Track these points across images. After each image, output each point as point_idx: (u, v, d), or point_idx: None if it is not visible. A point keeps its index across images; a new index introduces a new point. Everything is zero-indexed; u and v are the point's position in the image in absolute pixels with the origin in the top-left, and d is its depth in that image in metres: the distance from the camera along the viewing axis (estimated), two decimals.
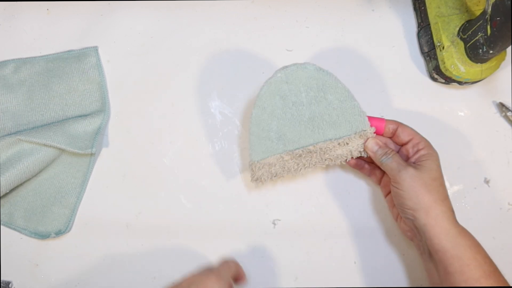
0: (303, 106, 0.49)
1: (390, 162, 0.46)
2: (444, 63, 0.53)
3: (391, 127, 0.49)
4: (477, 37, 0.49)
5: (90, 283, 0.53)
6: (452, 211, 0.44)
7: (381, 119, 0.49)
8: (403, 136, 0.48)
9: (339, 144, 0.49)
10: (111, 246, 0.54)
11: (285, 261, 0.53)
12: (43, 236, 0.53)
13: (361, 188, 0.55)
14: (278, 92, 0.49)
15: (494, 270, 0.42)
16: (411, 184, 0.44)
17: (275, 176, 0.50)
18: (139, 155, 0.55)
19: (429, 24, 0.55)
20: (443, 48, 0.53)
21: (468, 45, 0.51)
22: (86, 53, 0.56)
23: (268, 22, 0.58)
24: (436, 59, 0.54)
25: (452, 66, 0.52)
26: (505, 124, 0.56)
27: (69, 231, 0.54)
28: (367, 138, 0.49)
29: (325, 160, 0.50)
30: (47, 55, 0.56)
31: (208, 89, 0.57)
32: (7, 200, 0.53)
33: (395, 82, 0.57)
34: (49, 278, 0.53)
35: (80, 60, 0.56)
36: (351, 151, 0.49)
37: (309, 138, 0.49)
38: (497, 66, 0.53)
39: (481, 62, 0.52)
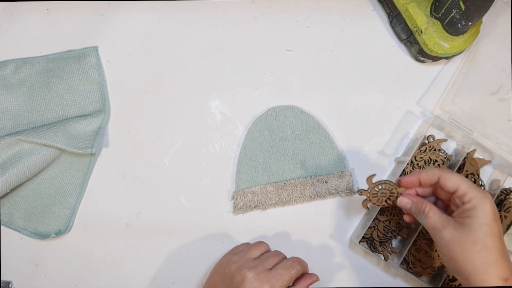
0: (288, 142, 0.53)
1: (424, 223, 0.41)
2: (427, 45, 0.53)
3: (428, 177, 0.42)
4: (452, 14, 0.49)
5: (90, 283, 0.53)
6: (507, 275, 0.36)
7: (415, 174, 0.43)
8: (448, 187, 0.40)
9: (318, 181, 0.53)
10: (111, 246, 0.54)
11: None
12: (43, 236, 0.53)
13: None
14: (267, 127, 0.54)
15: None
16: (448, 249, 0.38)
17: (256, 207, 0.53)
18: (139, 155, 0.55)
19: (399, 13, 0.55)
20: (421, 32, 0.53)
21: (445, 23, 0.51)
22: (86, 53, 0.56)
23: (268, 22, 0.58)
24: (418, 43, 0.54)
25: (436, 46, 0.52)
26: None
27: (69, 231, 0.54)
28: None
29: (305, 196, 0.53)
30: (47, 55, 0.56)
31: (208, 89, 0.57)
32: (7, 200, 0.53)
33: (395, 82, 0.57)
34: (49, 278, 0.53)
35: (80, 60, 0.56)
36: (329, 190, 0.52)
37: (292, 172, 0.53)
38: (478, 31, 0.53)
39: (462, 34, 0.52)
